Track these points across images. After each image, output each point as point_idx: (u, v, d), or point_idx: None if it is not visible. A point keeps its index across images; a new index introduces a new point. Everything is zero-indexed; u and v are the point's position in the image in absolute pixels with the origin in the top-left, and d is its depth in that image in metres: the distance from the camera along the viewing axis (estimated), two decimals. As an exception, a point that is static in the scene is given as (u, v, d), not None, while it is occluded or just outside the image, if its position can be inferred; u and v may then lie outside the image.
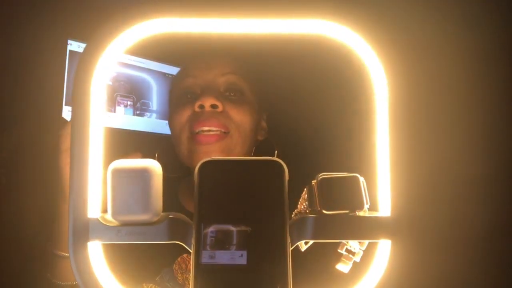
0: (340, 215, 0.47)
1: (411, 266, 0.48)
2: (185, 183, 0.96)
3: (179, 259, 0.83)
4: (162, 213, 0.48)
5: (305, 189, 0.52)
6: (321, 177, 0.48)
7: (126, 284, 0.49)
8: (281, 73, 1.13)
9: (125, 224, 0.47)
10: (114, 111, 0.95)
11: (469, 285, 1.00)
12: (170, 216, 0.48)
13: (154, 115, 1.01)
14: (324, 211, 0.47)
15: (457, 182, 1.00)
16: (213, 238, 0.46)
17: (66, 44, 0.88)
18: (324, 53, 0.76)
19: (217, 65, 0.91)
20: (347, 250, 0.50)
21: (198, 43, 0.72)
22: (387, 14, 0.89)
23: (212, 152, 0.84)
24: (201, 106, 0.85)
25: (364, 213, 0.48)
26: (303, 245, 0.52)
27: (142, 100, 0.99)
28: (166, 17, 0.50)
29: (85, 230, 0.48)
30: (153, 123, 1.01)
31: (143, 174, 0.46)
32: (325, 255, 0.59)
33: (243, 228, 0.46)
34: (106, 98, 0.93)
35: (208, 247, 0.45)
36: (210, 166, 0.48)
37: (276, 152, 0.95)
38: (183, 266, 0.83)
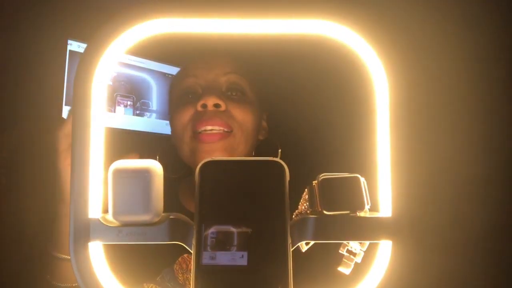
0: (341, 216, 0.47)
1: (412, 266, 0.48)
2: (186, 183, 0.96)
3: (179, 259, 0.83)
4: (163, 214, 0.48)
5: (306, 189, 0.52)
6: (322, 178, 0.48)
7: (126, 284, 0.49)
8: (281, 73, 1.13)
9: (126, 224, 0.47)
10: (114, 111, 0.95)
11: (470, 285, 1.00)
12: (171, 217, 0.48)
13: (154, 115, 1.01)
14: (325, 212, 0.47)
15: (458, 182, 1.00)
16: (213, 239, 0.46)
17: (66, 44, 0.88)
18: (324, 53, 0.76)
19: (218, 65, 0.91)
20: (348, 251, 0.50)
21: (198, 43, 0.72)
22: (388, 14, 0.89)
23: (215, 150, 0.84)
24: (204, 106, 0.85)
25: (365, 213, 0.48)
26: (304, 246, 0.52)
27: (142, 100, 0.99)
28: (166, 17, 0.50)
29: (86, 230, 0.48)
30: (153, 123, 1.01)
31: (144, 175, 0.46)
32: (326, 256, 0.60)
33: (243, 229, 0.46)
34: (106, 98, 0.92)
35: (208, 248, 0.45)
36: (211, 166, 0.48)
37: (279, 151, 0.95)
38: (184, 266, 0.83)
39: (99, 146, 0.49)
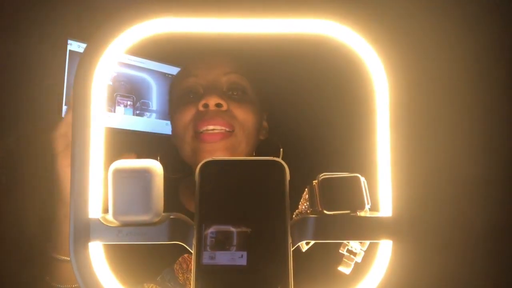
0: (341, 215, 0.47)
1: (412, 266, 0.48)
2: (186, 183, 0.96)
3: (180, 259, 0.83)
4: (163, 214, 0.48)
5: (306, 189, 0.52)
6: (322, 177, 0.48)
7: (127, 284, 0.49)
8: (281, 72, 1.13)
9: (126, 224, 0.47)
10: (114, 111, 0.95)
11: (470, 285, 1.00)
12: (171, 217, 0.48)
13: (154, 115, 1.01)
14: (325, 211, 0.47)
15: (458, 182, 1.00)
16: (213, 239, 0.46)
17: (66, 44, 0.88)
18: (324, 52, 0.76)
19: (219, 65, 0.91)
20: (348, 251, 0.50)
21: (198, 42, 0.72)
22: (388, 14, 0.89)
23: (217, 150, 0.84)
24: (206, 105, 0.85)
25: (365, 213, 0.48)
26: (304, 246, 0.52)
27: (142, 100, 0.99)
28: (166, 17, 0.50)
29: (86, 230, 0.48)
30: (153, 123, 1.01)
31: (144, 175, 0.46)
32: (326, 256, 0.60)
33: (243, 229, 0.46)
34: (106, 98, 0.92)
35: (208, 248, 0.45)
36: (211, 166, 0.48)
37: (281, 151, 0.95)
38: (184, 266, 0.83)
39: (99, 146, 0.49)
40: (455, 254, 1.00)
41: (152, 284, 0.82)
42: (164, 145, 0.98)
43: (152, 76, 1.01)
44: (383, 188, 0.49)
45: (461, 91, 1.01)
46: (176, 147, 0.93)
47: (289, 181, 0.47)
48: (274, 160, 0.48)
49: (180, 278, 0.83)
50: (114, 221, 0.47)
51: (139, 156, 0.73)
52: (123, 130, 0.96)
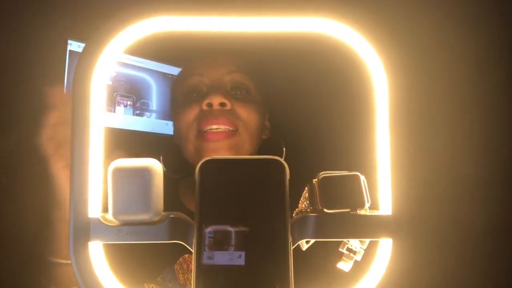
0: (341, 214, 0.47)
1: (412, 264, 0.48)
2: (186, 182, 0.96)
3: (180, 259, 0.83)
4: (163, 213, 0.48)
5: (306, 188, 0.52)
6: (322, 176, 0.48)
7: (127, 284, 0.49)
8: (281, 72, 1.13)
9: (126, 223, 0.47)
10: (114, 111, 0.95)
11: (470, 284, 1.00)
12: (171, 216, 0.48)
13: (153, 115, 1.01)
14: (325, 210, 0.47)
15: (458, 181, 1.00)
16: (211, 239, 0.46)
17: (66, 44, 0.88)
18: (323, 51, 0.76)
19: (223, 64, 0.91)
20: (348, 249, 0.50)
21: (198, 42, 0.72)
22: (387, 12, 0.89)
23: (221, 149, 0.84)
24: (209, 105, 0.85)
25: (365, 211, 0.48)
26: (304, 244, 0.52)
27: (142, 100, 0.99)
28: (164, 15, 0.50)
29: (86, 230, 0.48)
30: (152, 123, 1.01)
31: (144, 174, 0.46)
32: (326, 254, 0.59)
33: (241, 228, 0.46)
34: (105, 98, 0.92)
35: (206, 247, 0.45)
36: (210, 165, 0.48)
37: (284, 150, 0.95)
38: (185, 266, 0.83)
39: (99, 145, 0.49)
40: (455, 253, 1.00)
41: (152, 284, 0.82)
42: (165, 145, 0.98)
43: (152, 76, 1.01)
44: (383, 186, 0.49)
45: (461, 91, 1.01)
46: (179, 147, 0.93)
47: (289, 179, 0.47)
48: (274, 159, 0.48)
49: (180, 278, 0.83)
50: (114, 220, 0.47)
51: (139, 156, 0.73)
52: (123, 130, 0.96)
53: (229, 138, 0.85)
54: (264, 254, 0.45)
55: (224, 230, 0.46)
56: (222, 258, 0.45)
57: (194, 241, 0.46)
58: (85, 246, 0.47)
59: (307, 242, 0.52)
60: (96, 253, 0.48)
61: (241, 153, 0.86)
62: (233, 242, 0.45)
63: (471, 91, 1.02)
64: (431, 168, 0.96)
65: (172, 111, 0.98)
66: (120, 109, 0.95)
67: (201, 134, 0.85)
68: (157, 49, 0.92)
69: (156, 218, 0.47)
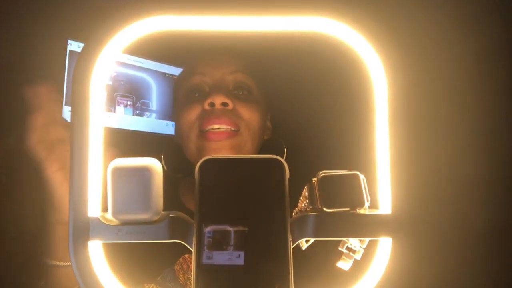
0: (340, 213, 0.47)
1: (412, 264, 0.48)
2: (186, 182, 0.96)
3: (180, 259, 0.83)
4: (162, 212, 0.48)
5: (306, 187, 0.52)
6: (321, 175, 0.48)
7: (127, 284, 0.49)
8: (281, 72, 1.13)
9: (125, 223, 0.47)
10: (114, 111, 0.95)
11: (469, 284, 1.00)
12: (171, 215, 0.48)
13: (153, 115, 1.01)
14: (324, 209, 0.47)
15: (457, 180, 1.00)
16: (210, 239, 0.46)
17: (66, 44, 0.88)
18: (322, 51, 0.76)
19: (225, 63, 0.91)
20: (348, 248, 0.50)
21: (198, 42, 0.72)
22: (387, 11, 0.89)
23: (222, 149, 0.84)
24: (212, 104, 0.85)
25: (364, 210, 0.48)
26: (304, 243, 0.52)
27: (142, 100, 0.99)
28: (162, 15, 0.50)
29: (85, 229, 0.48)
30: (152, 123, 1.01)
31: (144, 173, 0.46)
32: (325, 253, 0.59)
33: (240, 228, 0.46)
34: (105, 98, 0.92)
35: (206, 247, 0.45)
36: (210, 164, 0.48)
37: (285, 151, 0.95)
38: (185, 266, 0.83)
39: (98, 144, 0.49)
40: (455, 252, 1.00)
41: (152, 284, 0.82)
42: (165, 145, 0.98)
43: (152, 76, 1.01)
44: (382, 185, 0.49)
45: (461, 90, 1.01)
46: (180, 146, 0.93)
47: (289, 178, 0.47)
48: (274, 158, 0.48)
49: (180, 278, 0.83)
50: (114, 219, 0.47)
51: (138, 156, 0.73)
52: (123, 130, 0.96)
53: (230, 138, 0.85)
54: (264, 253, 0.45)
55: (224, 230, 0.46)
56: (222, 258, 0.45)
57: (194, 240, 0.46)
58: (84, 245, 0.47)
59: (307, 241, 0.52)
60: (96, 252, 0.48)
61: (243, 153, 0.87)
62: (232, 242, 0.45)
63: (471, 91, 1.02)
64: (431, 167, 0.96)
65: (174, 110, 0.98)
66: (120, 109, 0.96)
67: (203, 134, 0.85)
68: (157, 49, 0.92)
69: (156, 218, 0.47)
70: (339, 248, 0.51)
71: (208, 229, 0.46)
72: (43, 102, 0.70)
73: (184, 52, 0.96)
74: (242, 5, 0.49)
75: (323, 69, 1.09)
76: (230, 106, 0.86)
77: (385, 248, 0.48)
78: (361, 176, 0.48)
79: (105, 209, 0.48)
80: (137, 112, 0.98)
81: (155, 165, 0.47)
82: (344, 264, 0.51)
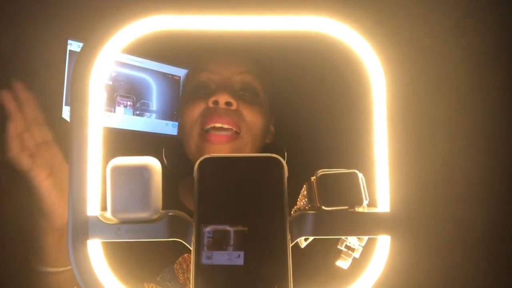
0: (339, 211, 0.47)
1: (411, 261, 0.48)
2: (186, 182, 0.96)
3: (180, 258, 0.83)
4: (161, 211, 0.48)
5: (305, 185, 0.52)
6: (320, 174, 0.48)
7: (126, 283, 0.49)
8: (281, 72, 1.13)
9: (124, 221, 0.47)
10: (114, 111, 0.95)
11: (469, 282, 1.00)
12: (170, 214, 0.48)
13: (153, 115, 1.01)
14: (323, 207, 0.47)
15: (456, 179, 1.00)
16: (210, 239, 0.46)
17: (66, 44, 0.88)
18: (321, 51, 0.76)
19: (234, 63, 0.91)
20: (347, 247, 0.50)
21: (198, 42, 0.72)
22: (387, 12, 0.89)
23: (222, 152, 0.84)
24: (215, 102, 0.85)
25: (363, 209, 0.48)
26: (302, 242, 0.52)
27: (142, 100, 0.99)
28: (162, 14, 0.50)
29: (84, 228, 0.48)
30: (152, 123, 1.01)
31: (143, 172, 0.46)
32: (324, 252, 0.59)
33: (240, 228, 0.46)
34: (105, 98, 0.93)
35: (205, 247, 0.45)
36: (209, 163, 0.48)
37: (285, 154, 0.95)
38: (184, 266, 0.83)
39: (97, 143, 0.49)
40: (453, 251, 1.00)
41: (152, 284, 0.82)
42: (166, 143, 0.98)
43: (152, 76, 1.01)
44: (381, 184, 0.49)
45: (461, 89, 1.01)
46: (182, 143, 0.93)
47: (287, 177, 0.47)
48: (272, 157, 0.48)
49: (180, 278, 0.83)
50: (113, 218, 0.47)
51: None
52: (123, 130, 0.96)
53: (231, 142, 0.85)
54: (263, 253, 0.45)
55: (223, 230, 0.46)
56: (221, 258, 0.45)
57: (193, 239, 0.46)
58: (84, 244, 0.47)
59: (306, 239, 0.52)
60: (95, 251, 0.48)
61: None
62: (232, 242, 0.45)
63: (469, 91, 1.02)
64: (429, 165, 0.96)
65: (179, 106, 0.99)
66: (120, 109, 0.96)
67: (204, 134, 0.85)
68: (157, 49, 0.92)
69: (155, 216, 0.47)
70: (338, 247, 0.51)
71: (208, 229, 0.46)
72: (18, 104, 0.66)
73: (184, 52, 0.96)
74: (240, 4, 0.50)
75: (322, 68, 1.09)
76: (234, 106, 0.86)
77: (383, 246, 0.48)
78: (360, 175, 0.48)
79: (104, 208, 0.48)
80: (137, 112, 0.98)
81: (154, 164, 0.47)
82: (343, 263, 0.51)
